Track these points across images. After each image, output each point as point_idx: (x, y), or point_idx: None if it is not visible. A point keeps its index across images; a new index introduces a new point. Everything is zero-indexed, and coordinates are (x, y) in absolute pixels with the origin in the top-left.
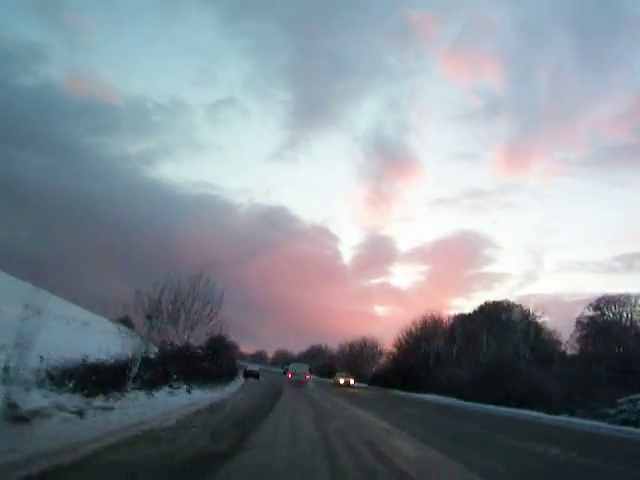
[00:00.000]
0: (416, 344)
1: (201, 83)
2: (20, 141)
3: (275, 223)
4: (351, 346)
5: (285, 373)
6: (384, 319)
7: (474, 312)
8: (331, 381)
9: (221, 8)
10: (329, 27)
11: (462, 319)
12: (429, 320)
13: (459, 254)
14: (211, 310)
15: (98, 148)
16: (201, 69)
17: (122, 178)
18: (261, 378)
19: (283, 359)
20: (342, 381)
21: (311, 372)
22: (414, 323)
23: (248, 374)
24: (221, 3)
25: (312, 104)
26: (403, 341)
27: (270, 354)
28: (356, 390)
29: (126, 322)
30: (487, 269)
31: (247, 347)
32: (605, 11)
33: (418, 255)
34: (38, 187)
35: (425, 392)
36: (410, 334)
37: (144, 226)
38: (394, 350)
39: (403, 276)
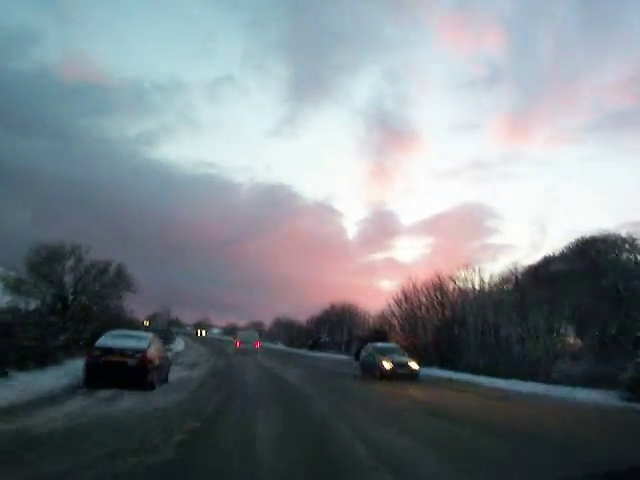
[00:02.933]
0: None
1: (198, 61)
2: (17, 125)
3: (277, 201)
4: (329, 310)
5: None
6: (389, 294)
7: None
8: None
9: None
10: None
11: None
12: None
13: (463, 226)
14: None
15: (97, 130)
16: (198, 47)
17: (122, 160)
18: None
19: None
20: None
21: (261, 340)
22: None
23: None
24: None
25: (310, 78)
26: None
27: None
28: None
29: None
30: (491, 240)
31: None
32: None
33: (422, 228)
34: (36, 172)
35: None
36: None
37: (145, 207)
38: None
39: (407, 250)
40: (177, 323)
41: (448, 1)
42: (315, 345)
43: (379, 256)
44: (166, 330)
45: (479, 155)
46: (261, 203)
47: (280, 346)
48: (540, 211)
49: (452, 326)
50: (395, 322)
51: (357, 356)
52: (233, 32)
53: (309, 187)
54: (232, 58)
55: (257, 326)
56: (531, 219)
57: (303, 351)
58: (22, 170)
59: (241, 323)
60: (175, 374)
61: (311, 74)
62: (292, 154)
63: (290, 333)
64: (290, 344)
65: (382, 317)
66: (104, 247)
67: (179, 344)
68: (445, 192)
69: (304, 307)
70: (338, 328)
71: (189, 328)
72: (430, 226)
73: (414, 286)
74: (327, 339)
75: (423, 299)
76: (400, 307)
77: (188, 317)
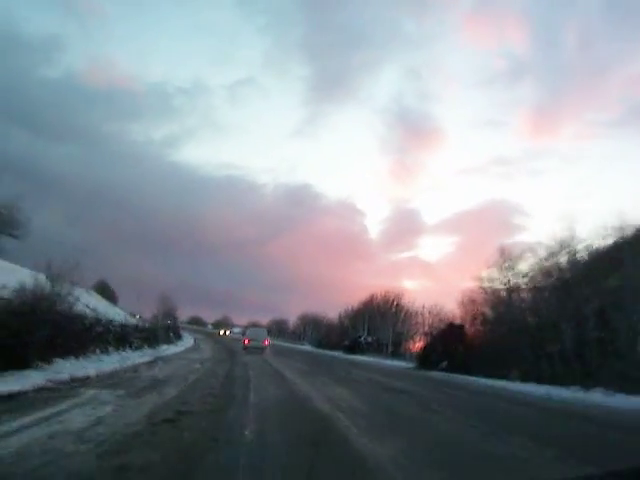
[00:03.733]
0: None
1: (220, 64)
2: (46, 131)
3: (300, 201)
4: (368, 302)
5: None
6: (413, 293)
7: None
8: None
9: None
10: None
11: None
12: None
13: (488, 224)
14: None
15: (122, 134)
16: (219, 50)
17: (147, 163)
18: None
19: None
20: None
21: (270, 337)
22: None
23: None
24: None
25: (331, 78)
26: None
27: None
28: None
29: None
30: (518, 238)
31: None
32: None
33: (446, 227)
34: (65, 175)
35: None
36: None
37: (170, 209)
38: None
39: (432, 249)
40: (197, 321)
41: None
42: (354, 347)
43: (403, 255)
44: (158, 327)
45: (504, 151)
46: (284, 203)
47: (307, 347)
48: (568, 207)
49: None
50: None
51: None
52: (253, 35)
53: (332, 186)
54: (253, 60)
55: (280, 324)
56: (558, 216)
57: (337, 354)
58: (51, 174)
59: (264, 321)
60: None
61: (332, 74)
62: (314, 154)
63: (318, 331)
64: (319, 345)
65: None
66: (129, 247)
67: (180, 345)
68: (469, 189)
69: (327, 307)
70: (381, 325)
71: (209, 326)
72: (454, 224)
73: None
74: (369, 339)
75: None
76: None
77: (210, 316)
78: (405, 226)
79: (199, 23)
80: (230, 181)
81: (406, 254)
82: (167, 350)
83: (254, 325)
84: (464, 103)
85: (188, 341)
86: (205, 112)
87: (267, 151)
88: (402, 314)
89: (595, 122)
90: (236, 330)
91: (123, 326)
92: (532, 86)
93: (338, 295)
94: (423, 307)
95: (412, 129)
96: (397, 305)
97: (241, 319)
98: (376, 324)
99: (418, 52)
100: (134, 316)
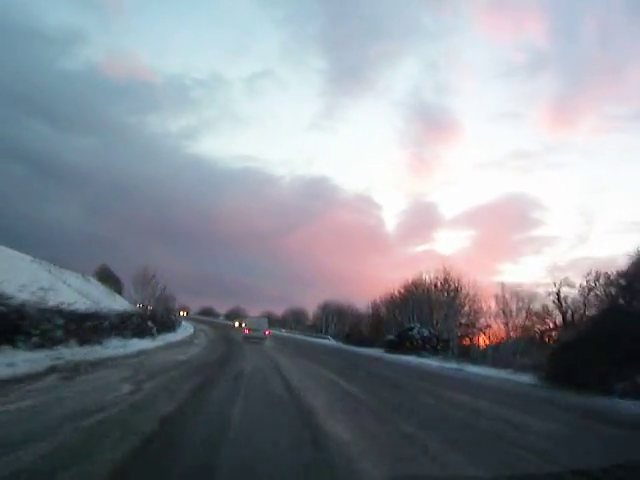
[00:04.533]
0: None
1: (237, 56)
2: (65, 123)
3: (317, 193)
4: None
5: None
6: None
7: None
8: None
9: None
10: None
11: None
12: None
13: (506, 218)
14: None
15: (140, 127)
16: (236, 42)
17: (165, 155)
18: None
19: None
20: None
21: (270, 327)
22: None
23: None
24: None
25: (349, 70)
26: None
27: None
28: None
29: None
30: (536, 232)
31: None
32: None
33: (463, 220)
34: (83, 167)
35: None
36: None
37: (187, 200)
38: None
39: (448, 242)
40: (209, 312)
41: None
42: (402, 343)
43: (419, 248)
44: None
45: (522, 145)
46: (301, 195)
47: (331, 342)
48: (586, 202)
49: None
50: None
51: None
52: (271, 26)
53: (349, 179)
54: (270, 52)
55: (297, 314)
56: (577, 210)
57: (376, 352)
58: (70, 166)
59: (279, 312)
60: None
61: (349, 66)
62: (332, 146)
63: (343, 322)
64: (347, 339)
65: None
66: (148, 239)
67: (159, 340)
68: (487, 183)
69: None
70: (428, 315)
71: (221, 317)
72: (472, 218)
73: None
74: (425, 332)
75: None
76: None
77: (223, 306)
78: (422, 219)
79: (217, 15)
80: (248, 173)
81: (422, 247)
82: (125, 348)
83: (263, 315)
84: (482, 96)
85: (182, 334)
86: (223, 104)
87: (284, 143)
88: (464, 301)
89: (614, 115)
90: None
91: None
92: (551, 79)
93: (355, 287)
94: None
95: (430, 122)
96: (456, 290)
97: (256, 310)
98: (423, 314)
99: (436, 44)
100: (138, 305)
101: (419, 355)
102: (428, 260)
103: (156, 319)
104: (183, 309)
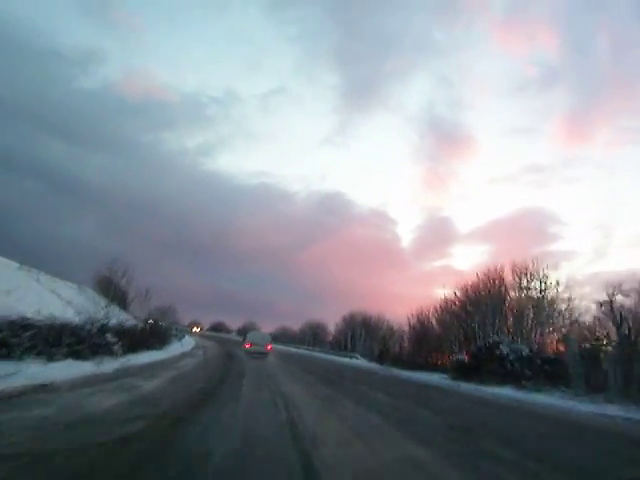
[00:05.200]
0: None
1: (252, 73)
2: (84, 142)
3: (332, 209)
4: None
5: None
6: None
7: None
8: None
9: None
10: (373, 6)
11: None
12: None
13: (522, 232)
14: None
15: (156, 144)
16: (251, 59)
17: (181, 172)
18: None
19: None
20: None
21: (272, 343)
22: None
23: None
24: None
25: (361, 86)
26: None
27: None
28: None
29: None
30: (553, 247)
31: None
32: None
33: (479, 235)
34: (102, 185)
35: None
36: None
37: (203, 217)
38: None
39: (465, 257)
40: (219, 327)
41: (500, 2)
42: (478, 366)
43: (435, 264)
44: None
45: (537, 159)
46: (316, 211)
47: (362, 362)
48: (604, 215)
49: None
50: None
51: None
52: (284, 44)
53: (363, 194)
54: (284, 69)
55: (315, 328)
56: (595, 224)
57: (435, 379)
58: (87, 183)
59: (295, 327)
60: None
61: (362, 82)
62: (346, 162)
63: (372, 338)
64: (380, 360)
65: None
66: (163, 255)
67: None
68: (502, 197)
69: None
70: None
71: (233, 333)
72: (488, 232)
73: None
74: (520, 350)
75: None
76: None
77: (236, 322)
78: (437, 234)
79: (231, 33)
80: (263, 189)
81: (439, 262)
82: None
83: (277, 330)
84: (496, 110)
85: (171, 352)
86: (238, 121)
87: (299, 159)
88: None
89: (629, 128)
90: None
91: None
92: (565, 92)
93: (372, 303)
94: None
95: (444, 137)
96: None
97: (270, 326)
98: (491, 324)
99: (449, 59)
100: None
101: (519, 387)
102: (444, 275)
103: (129, 333)
104: (196, 325)
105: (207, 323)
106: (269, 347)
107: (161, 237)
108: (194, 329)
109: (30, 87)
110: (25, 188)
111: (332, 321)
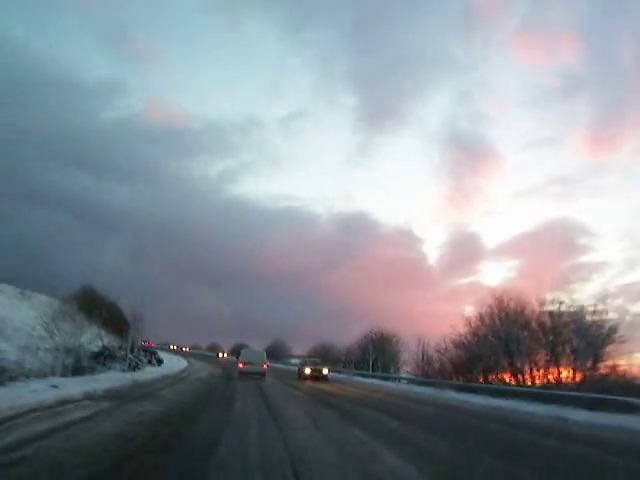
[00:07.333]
0: None
1: (271, 98)
2: (105, 172)
3: (356, 229)
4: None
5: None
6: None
7: None
8: None
9: (280, 21)
10: (389, 25)
11: None
12: None
13: (550, 245)
14: None
15: (180, 171)
16: (270, 84)
17: (206, 198)
18: None
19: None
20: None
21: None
22: None
23: None
24: (279, 16)
25: (381, 105)
26: None
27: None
28: None
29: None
30: (583, 259)
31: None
32: None
33: (507, 250)
34: (125, 213)
35: None
36: None
37: (229, 242)
38: None
39: (493, 273)
40: (239, 350)
41: (518, 14)
42: None
43: (463, 281)
44: None
45: (562, 170)
46: (341, 232)
47: (416, 389)
48: (634, 224)
49: None
50: None
51: None
52: (302, 67)
53: (388, 214)
54: (303, 92)
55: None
56: (625, 234)
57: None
58: (112, 212)
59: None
60: None
61: (382, 101)
62: (369, 182)
63: (424, 359)
64: (428, 381)
65: None
66: (190, 281)
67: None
68: (529, 211)
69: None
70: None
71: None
72: (515, 247)
73: None
74: None
75: None
76: None
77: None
78: (464, 251)
79: (249, 59)
80: (287, 212)
81: (466, 279)
82: None
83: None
84: (518, 123)
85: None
86: (260, 146)
87: (322, 181)
88: None
89: None
90: (293, 361)
91: None
92: (588, 101)
93: (401, 324)
94: None
95: (466, 152)
96: None
97: (298, 349)
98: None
99: (468, 74)
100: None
101: None
102: (473, 293)
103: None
104: (220, 351)
105: (230, 347)
106: (265, 366)
107: (187, 264)
108: (219, 354)
109: (54, 120)
110: (52, 221)
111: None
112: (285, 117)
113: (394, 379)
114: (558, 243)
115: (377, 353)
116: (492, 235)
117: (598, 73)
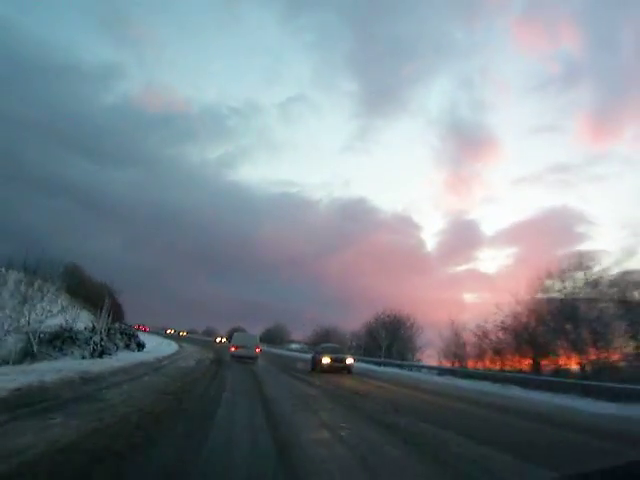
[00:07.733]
0: None
1: (270, 83)
2: (103, 156)
3: (355, 215)
4: None
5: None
6: (473, 306)
7: None
8: None
9: (279, 5)
10: (389, 9)
11: None
12: None
13: (549, 233)
14: None
15: (180, 157)
16: (269, 69)
17: (204, 183)
18: None
19: None
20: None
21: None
22: None
23: None
24: (278, 1)
25: (381, 91)
26: None
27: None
28: None
29: None
30: (581, 247)
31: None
32: None
33: (505, 237)
34: (125, 199)
35: None
36: None
37: (227, 227)
38: None
39: (490, 260)
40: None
41: (520, 0)
42: None
43: (460, 268)
44: None
45: (562, 158)
46: (340, 218)
47: (458, 383)
48: (633, 213)
49: None
50: None
51: None
52: (301, 52)
53: (387, 200)
54: (302, 78)
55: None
56: (623, 222)
57: None
58: (111, 198)
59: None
60: None
61: (381, 86)
62: (368, 168)
63: (457, 343)
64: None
65: None
66: (190, 266)
67: None
68: (527, 198)
69: None
70: None
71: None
72: (514, 235)
73: None
74: None
75: None
76: None
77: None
78: (462, 238)
79: (248, 44)
80: (285, 198)
81: (464, 267)
82: None
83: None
84: (519, 110)
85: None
86: (259, 131)
87: (321, 167)
88: None
89: None
90: (294, 347)
91: None
92: (589, 89)
93: (394, 308)
94: None
95: (466, 139)
96: None
97: (298, 334)
98: None
99: (469, 60)
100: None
101: None
102: (470, 279)
103: None
104: (218, 335)
105: (220, 330)
106: (258, 350)
107: (185, 248)
108: (217, 339)
109: (52, 105)
110: (50, 205)
111: (350, 327)
112: (284, 102)
113: (418, 368)
114: (558, 231)
115: (391, 338)
116: (491, 222)
117: (599, 61)
